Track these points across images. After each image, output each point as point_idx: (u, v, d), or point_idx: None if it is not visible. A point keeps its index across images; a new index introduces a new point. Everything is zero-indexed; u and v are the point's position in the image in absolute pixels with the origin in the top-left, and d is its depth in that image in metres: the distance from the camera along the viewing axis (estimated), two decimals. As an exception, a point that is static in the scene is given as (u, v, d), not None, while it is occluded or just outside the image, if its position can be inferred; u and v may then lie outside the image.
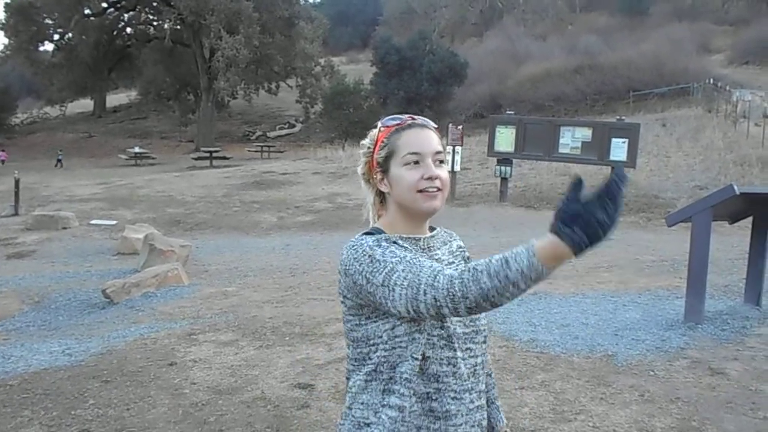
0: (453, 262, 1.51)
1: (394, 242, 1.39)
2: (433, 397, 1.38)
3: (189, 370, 4.19)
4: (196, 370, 4.20)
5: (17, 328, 6.10)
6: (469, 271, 1.21)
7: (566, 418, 3.38)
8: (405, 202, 1.43)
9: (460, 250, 1.56)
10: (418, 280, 1.26)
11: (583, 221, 1.10)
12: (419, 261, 1.31)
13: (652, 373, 3.97)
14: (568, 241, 1.11)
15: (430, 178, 1.41)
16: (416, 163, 1.42)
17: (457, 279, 1.21)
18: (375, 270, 1.32)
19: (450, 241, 1.55)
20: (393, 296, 1.29)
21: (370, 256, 1.34)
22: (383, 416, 1.37)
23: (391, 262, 1.31)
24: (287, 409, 3.57)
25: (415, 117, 1.49)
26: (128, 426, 3.41)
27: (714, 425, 3.29)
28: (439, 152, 1.44)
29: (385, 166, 1.45)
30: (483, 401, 1.49)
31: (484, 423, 1.49)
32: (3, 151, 29.20)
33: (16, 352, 4.72)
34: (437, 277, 1.24)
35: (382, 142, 1.46)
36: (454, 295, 1.21)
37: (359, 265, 1.35)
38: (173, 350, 4.60)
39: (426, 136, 1.44)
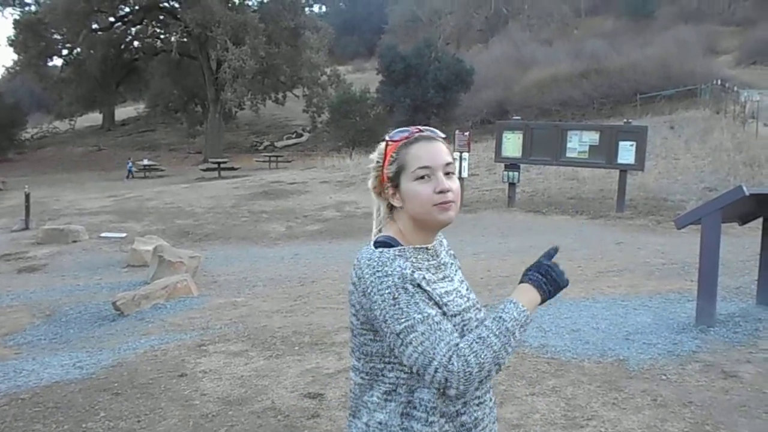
0: (453, 264, 1.55)
1: (411, 273, 1.37)
2: (462, 412, 1.41)
3: (199, 381, 4.19)
4: (206, 381, 4.21)
5: (28, 341, 6.13)
6: (477, 341, 1.29)
7: (578, 424, 3.36)
8: (420, 215, 1.44)
9: (449, 247, 1.60)
10: (433, 353, 1.29)
11: (543, 271, 1.41)
12: (439, 326, 1.32)
13: (664, 377, 3.93)
14: (535, 284, 1.40)
15: (442, 192, 1.42)
16: (427, 177, 1.42)
17: (471, 355, 1.28)
18: (396, 317, 1.32)
19: (442, 241, 1.57)
20: (404, 352, 1.32)
21: (395, 298, 1.33)
22: None
23: (414, 318, 1.31)
24: (297, 419, 3.57)
25: (423, 129, 1.48)
26: (139, 438, 3.42)
27: (728, 429, 3.26)
28: (449, 163, 1.45)
29: (396, 181, 1.45)
30: (492, 392, 1.54)
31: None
32: None
33: (27, 366, 4.75)
34: (452, 359, 1.28)
35: (391, 156, 1.45)
36: (470, 374, 1.27)
37: (381, 301, 1.34)
38: (183, 361, 4.60)
39: (435, 149, 1.44)
